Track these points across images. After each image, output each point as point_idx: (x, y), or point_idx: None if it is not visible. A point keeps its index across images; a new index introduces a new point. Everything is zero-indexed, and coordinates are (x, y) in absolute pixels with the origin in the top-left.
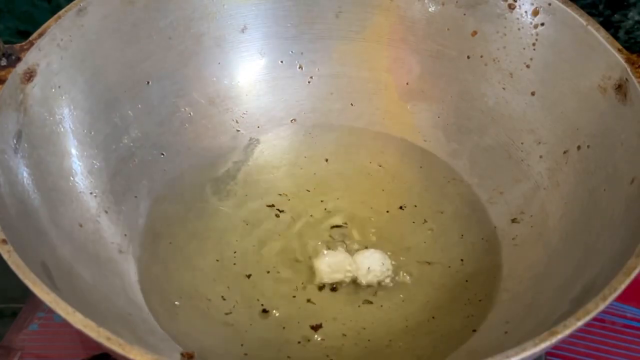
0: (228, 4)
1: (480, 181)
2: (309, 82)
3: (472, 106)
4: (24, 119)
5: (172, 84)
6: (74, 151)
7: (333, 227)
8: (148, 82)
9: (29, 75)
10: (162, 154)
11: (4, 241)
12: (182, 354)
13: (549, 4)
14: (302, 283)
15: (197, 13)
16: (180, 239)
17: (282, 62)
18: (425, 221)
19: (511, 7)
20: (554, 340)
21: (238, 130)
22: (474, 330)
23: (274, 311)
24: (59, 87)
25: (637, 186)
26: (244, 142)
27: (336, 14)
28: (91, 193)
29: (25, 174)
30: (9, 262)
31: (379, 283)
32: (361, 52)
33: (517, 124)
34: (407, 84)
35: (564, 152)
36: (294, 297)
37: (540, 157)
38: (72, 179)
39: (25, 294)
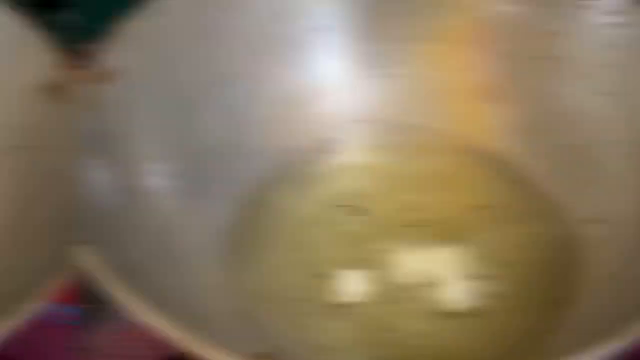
0: (306, 3)
1: (556, 182)
2: (386, 82)
3: (548, 107)
4: (99, 119)
5: (246, 84)
6: (149, 152)
7: (411, 226)
8: (223, 82)
9: (105, 76)
10: (239, 156)
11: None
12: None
13: (628, 4)
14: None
15: (273, 12)
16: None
17: (359, 61)
18: (506, 222)
19: (588, 7)
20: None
21: (316, 131)
22: (549, 332)
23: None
24: (134, 87)
25: None
26: (322, 143)
27: (411, 14)
28: (170, 194)
29: (102, 175)
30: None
31: None
32: (436, 53)
33: (595, 124)
34: (481, 85)
35: None
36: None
37: (619, 157)
38: (150, 179)
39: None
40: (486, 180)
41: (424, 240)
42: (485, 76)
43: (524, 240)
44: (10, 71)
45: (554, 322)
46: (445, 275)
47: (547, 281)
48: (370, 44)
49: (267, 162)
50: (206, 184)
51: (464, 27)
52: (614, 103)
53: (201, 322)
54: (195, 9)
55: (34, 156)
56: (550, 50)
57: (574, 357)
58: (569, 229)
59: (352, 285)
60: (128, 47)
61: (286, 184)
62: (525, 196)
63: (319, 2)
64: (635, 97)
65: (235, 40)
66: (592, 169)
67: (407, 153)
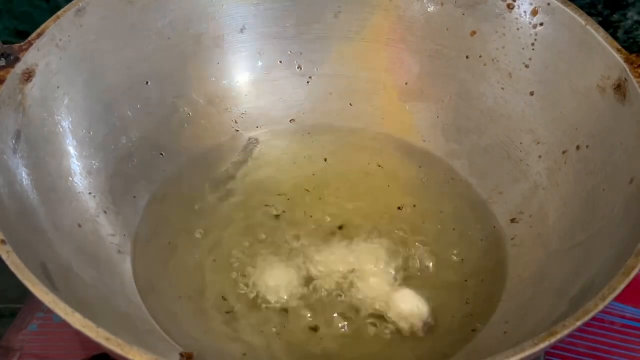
0: (227, 5)
1: (480, 181)
2: (308, 82)
3: (471, 106)
4: (23, 119)
5: (171, 84)
6: (72, 151)
7: (332, 227)
8: (147, 83)
9: (28, 76)
10: (162, 154)
11: (3, 242)
12: (181, 354)
13: (548, 4)
14: (301, 283)
15: (196, 13)
16: (179, 239)
17: (281, 62)
18: (424, 221)
19: (510, 7)
20: (553, 340)
21: (237, 131)
22: (474, 330)
23: (273, 311)
24: (58, 87)
25: (636, 186)
26: (243, 142)
27: (335, 14)
28: (90, 193)
29: (24, 175)
30: (8, 263)
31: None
32: (360, 52)
33: (516, 124)
34: (406, 84)
35: (563, 152)
36: (293, 296)
37: (540, 157)
38: (71, 179)
39: (25, 294)
40: (411, 179)
41: (346, 239)
42: (409, 76)
43: (446, 240)
44: None
45: (476, 322)
46: (368, 274)
47: (468, 281)
48: (294, 44)
49: (186, 161)
50: (126, 182)
51: (388, 27)
52: (535, 103)
53: (123, 322)
54: (118, 10)
55: None
56: (474, 50)
57: (502, 354)
58: (494, 228)
59: (272, 285)
60: (50, 47)
61: (205, 183)
62: (449, 195)
63: (243, 3)
64: (555, 97)
65: (158, 41)
66: (514, 168)
67: (330, 153)
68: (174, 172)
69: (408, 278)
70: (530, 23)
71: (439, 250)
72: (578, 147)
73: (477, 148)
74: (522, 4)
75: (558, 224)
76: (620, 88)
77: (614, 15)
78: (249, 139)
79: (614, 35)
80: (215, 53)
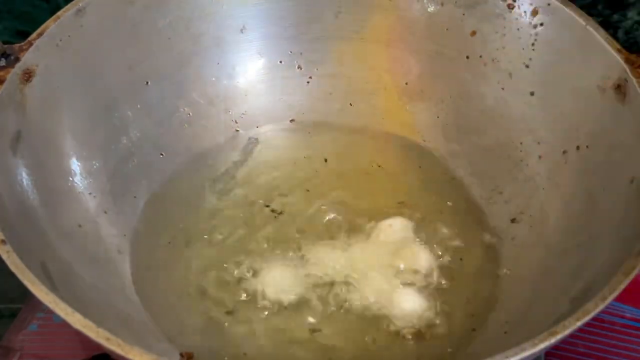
0: (227, 5)
1: (480, 181)
2: (307, 82)
3: (471, 106)
4: (23, 119)
5: (171, 84)
6: (72, 152)
7: (332, 227)
8: (147, 83)
9: (28, 76)
10: (162, 154)
11: (3, 242)
12: (181, 354)
13: (548, 4)
14: (301, 282)
15: (196, 13)
16: (179, 239)
17: (281, 62)
18: (425, 221)
19: (510, 7)
20: (553, 340)
21: (237, 130)
22: (474, 330)
23: (274, 311)
24: (58, 87)
25: (636, 186)
26: (243, 142)
27: (335, 14)
28: (90, 193)
29: (24, 175)
30: (8, 263)
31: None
32: (360, 52)
33: (516, 124)
34: (406, 83)
35: (563, 152)
36: (293, 296)
37: (540, 157)
38: (71, 179)
39: (25, 294)
40: (411, 179)
41: (346, 239)
42: (409, 76)
43: (451, 239)
44: None
45: (476, 322)
46: (369, 274)
47: (468, 281)
48: (294, 44)
49: (186, 161)
50: (126, 182)
51: (388, 27)
52: (535, 103)
53: (123, 322)
54: (118, 10)
55: None
56: (474, 50)
57: (502, 354)
58: (494, 228)
59: (272, 284)
60: (50, 47)
61: (205, 182)
62: (449, 195)
63: (243, 3)
64: (555, 97)
65: (158, 41)
66: (514, 168)
67: (330, 153)
68: (174, 172)
69: (408, 278)
70: (530, 23)
71: (439, 250)
72: (578, 147)
73: (477, 148)
74: (522, 4)
75: (558, 224)
76: (620, 88)
77: (614, 15)
78: (249, 138)
79: (614, 35)
80: (215, 53)
